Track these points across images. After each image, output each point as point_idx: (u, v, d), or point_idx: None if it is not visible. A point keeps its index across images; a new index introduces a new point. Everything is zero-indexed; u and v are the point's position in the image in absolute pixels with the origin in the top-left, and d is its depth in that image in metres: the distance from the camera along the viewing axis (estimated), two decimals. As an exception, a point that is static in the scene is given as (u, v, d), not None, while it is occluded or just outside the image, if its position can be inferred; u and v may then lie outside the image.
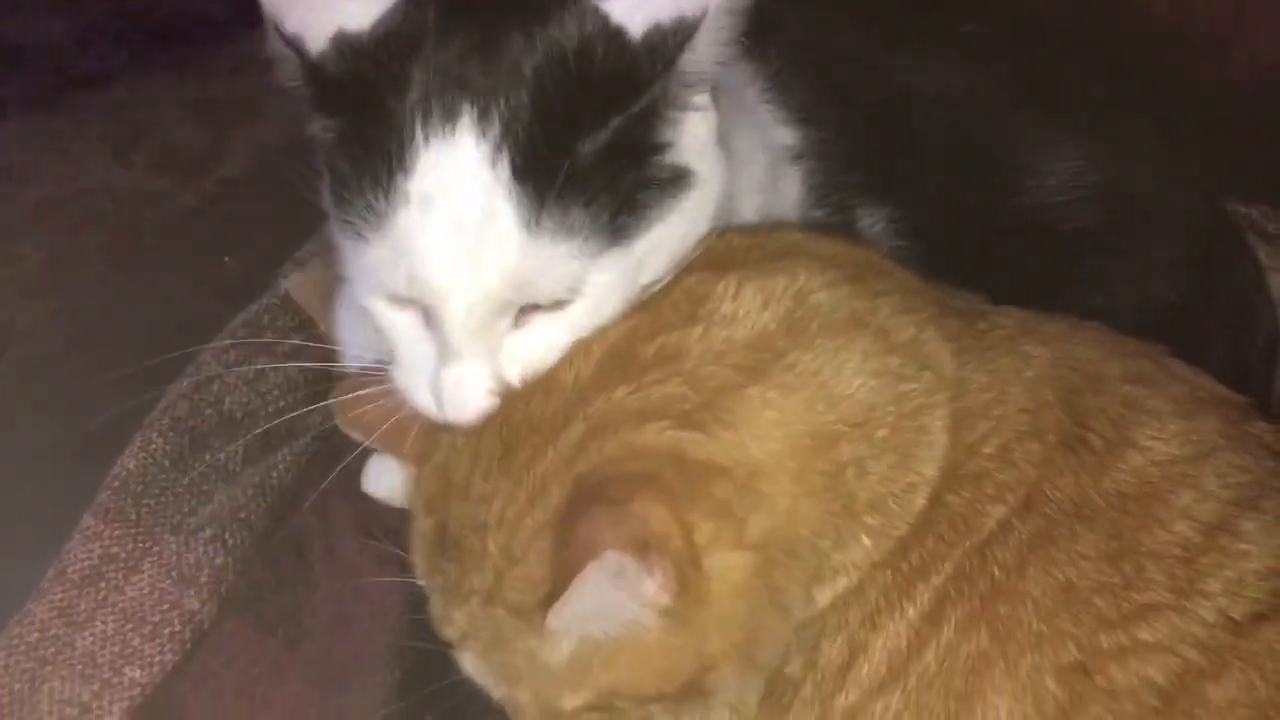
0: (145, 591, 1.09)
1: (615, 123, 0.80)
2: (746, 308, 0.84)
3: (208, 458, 1.18)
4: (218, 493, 1.16)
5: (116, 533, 1.12)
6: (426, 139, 0.79)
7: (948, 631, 0.79)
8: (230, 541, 1.13)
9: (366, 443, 0.95)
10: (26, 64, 2.25)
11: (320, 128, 0.85)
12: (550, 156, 0.78)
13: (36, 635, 1.07)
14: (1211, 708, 0.74)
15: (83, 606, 1.08)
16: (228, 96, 2.19)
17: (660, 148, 0.84)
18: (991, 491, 0.81)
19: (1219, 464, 0.82)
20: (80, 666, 1.05)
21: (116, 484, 1.15)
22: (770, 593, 0.79)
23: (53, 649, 1.06)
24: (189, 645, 1.08)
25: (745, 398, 0.80)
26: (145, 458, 1.17)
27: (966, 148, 1.10)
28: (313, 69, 0.82)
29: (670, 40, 0.80)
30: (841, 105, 1.07)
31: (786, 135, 1.04)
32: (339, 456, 1.17)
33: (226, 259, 1.41)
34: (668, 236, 0.85)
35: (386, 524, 1.12)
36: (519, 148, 0.78)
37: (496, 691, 0.85)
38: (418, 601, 1.03)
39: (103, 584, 1.10)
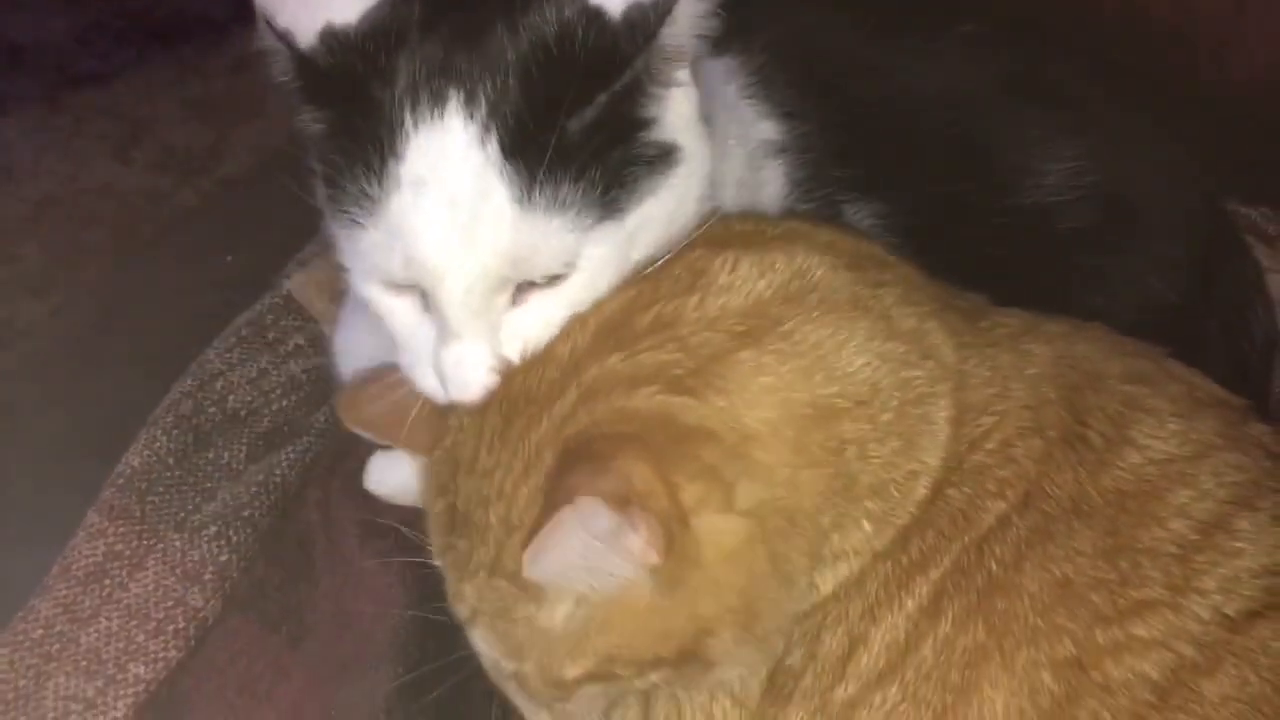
0: (150, 588, 1.10)
1: (600, 99, 0.82)
2: (743, 277, 0.85)
3: (211, 455, 1.19)
4: (221, 490, 1.16)
5: (121, 529, 1.12)
6: (416, 124, 0.81)
7: (945, 625, 0.79)
8: (234, 539, 1.13)
9: (376, 440, 0.96)
10: (27, 63, 2.26)
11: (311, 120, 0.87)
12: (538, 134, 0.80)
13: (41, 631, 1.07)
14: (1206, 703, 0.74)
15: (87, 603, 1.09)
16: (228, 95, 2.20)
17: (646, 123, 0.86)
18: (992, 487, 0.82)
19: (1216, 463, 0.82)
20: (85, 663, 1.06)
21: (121, 481, 1.16)
22: (772, 561, 0.79)
23: (57, 645, 1.07)
24: (193, 642, 1.09)
25: (738, 362, 0.81)
26: (150, 455, 1.17)
27: (963, 146, 1.10)
28: (303, 63, 0.84)
29: (651, 15, 0.82)
30: (830, 100, 1.08)
31: (768, 129, 1.05)
32: (341, 455, 1.18)
33: (229, 258, 1.41)
34: (658, 211, 0.87)
35: (388, 522, 1.13)
36: (507, 127, 0.81)
37: (505, 669, 0.86)
38: (419, 599, 1.05)
39: (107, 580, 1.10)
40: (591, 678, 0.81)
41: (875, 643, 0.81)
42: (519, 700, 0.90)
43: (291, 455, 1.20)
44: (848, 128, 1.08)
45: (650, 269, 0.88)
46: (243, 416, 1.22)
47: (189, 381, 1.23)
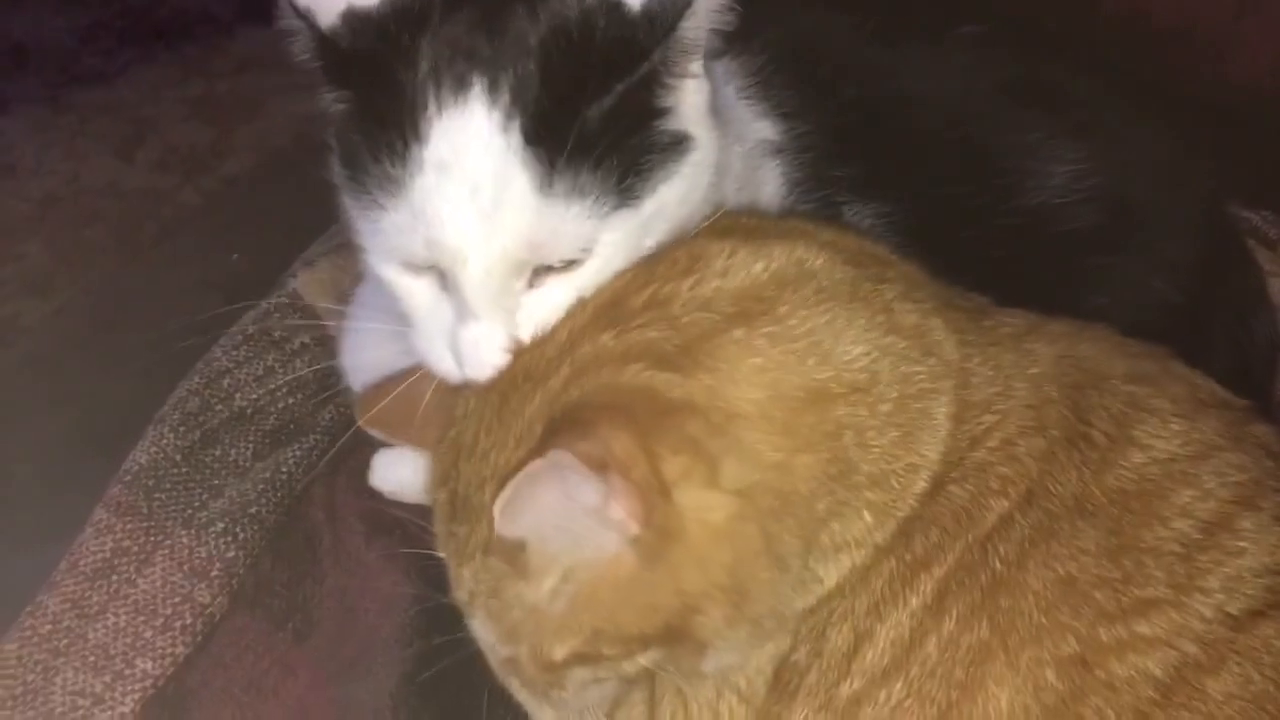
0: (157, 584, 1.10)
1: (619, 89, 0.83)
2: (741, 263, 0.86)
3: (218, 453, 1.19)
4: (228, 487, 1.17)
5: (128, 526, 1.13)
6: (440, 109, 0.83)
7: (950, 623, 0.80)
8: (241, 535, 1.13)
9: (389, 439, 0.97)
10: (30, 62, 2.27)
11: (332, 99, 0.88)
12: (559, 122, 0.82)
13: (49, 627, 1.08)
14: (1209, 701, 0.74)
15: (95, 599, 1.09)
16: (231, 94, 2.20)
17: (661, 113, 0.88)
18: (994, 485, 0.82)
19: (1219, 463, 0.83)
20: (93, 658, 1.06)
21: (128, 478, 1.16)
22: (765, 541, 0.80)
23: (65, 640, 1.07)
24: (200, 637, 1.09)
25: (727, 342, 0.81)
26: (156, 452, 1.18)
27: (965, 147, 1.11)
28: (324, 42, 0.85)
29: (670, 10, 0.84)
30: (829, 101, 1.09)
31: (766, 129, 1.06)
32: (347, 452, 1.19)
33: (235, 256, 1.42)
34: (671, 198, 0.89)
35: (393, 519, 1.13)
36: (528, 115, 0.82)
37: (501, 655, 0.87)
38: (425, 595, 1.05)
39: (115, 576, 1.10)
40: (579, 658, 0.81)
41: (880, 639, 0.81)
42: (521, 696, 0.90)
43: (298, 453, 1.20)
44: (847, 129, 1.08)
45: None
46: (249, 414, 1.22)
47: (196, 379, 1.24)
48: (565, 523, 0.76)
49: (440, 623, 0.92)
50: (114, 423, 1.25)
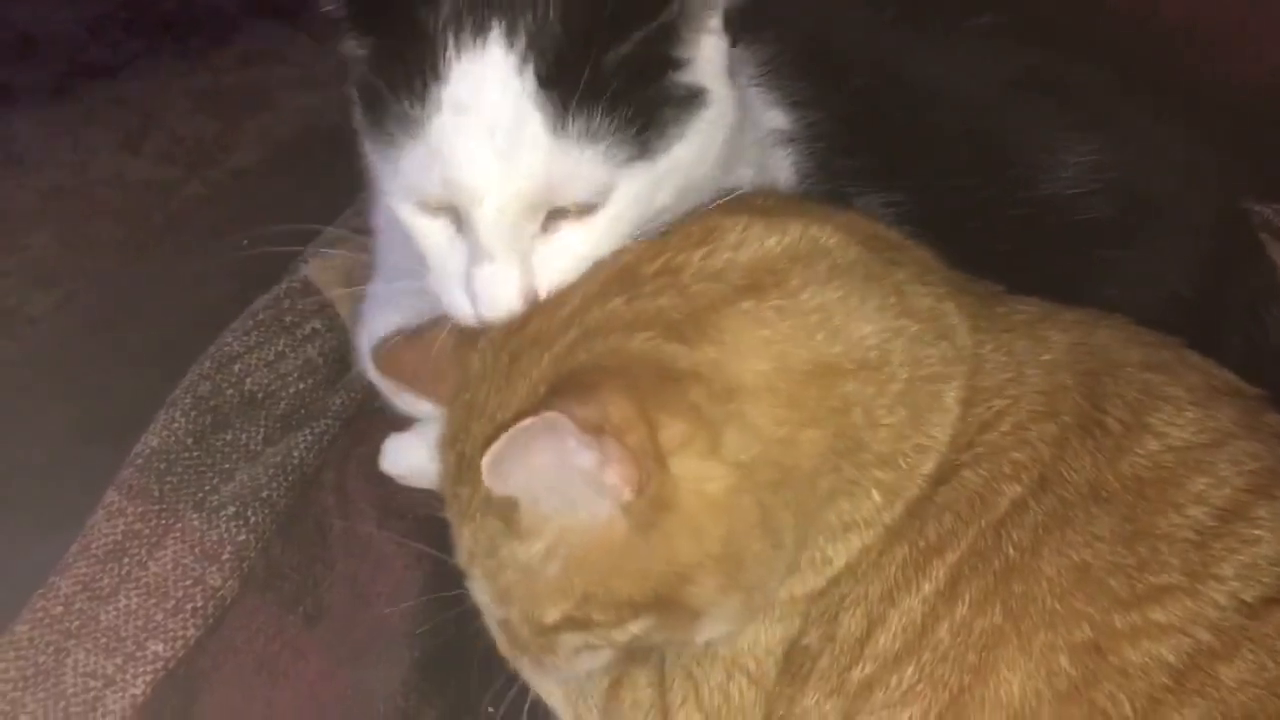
0: (169, 567, 1.10)
1: (636, 36, 0.85)
2: (755, 236, 0.87)
3: (229, 437, 1.20)
4: (239, 471, 1.17)
5: (140, 509, 1.13)
6: (459, 51, 0.84)
7: (962, 608, 0.80)
8: (252, 519, 1.14)
9: (404, 388, 0.97)
10: (37, 53, 2.26)
11: (355, 46, 0.90)
12: (573, 66, 0.83)
13: (61, 609, 1.08)
14: (1222, 687, 0.75)
15: (106, 581, 1.09)
16: (237, 87, 2.20)
17: (678, 63, 0.89)
18: (1007, 470, 0.83)
19: (1234, 451, 0.83)
20: (104, 640, 1.07)
21: (140, 461, 1.16)
22: (760, 514, 0.80)
23: (77, 622, 1.07)
24: (211, 620, 1.09)
25: (736, 313, 0.82)
26: (168, 435, 1.18)
27: (977, 138, 1.11)
28: None
29: None
30: (841, 91, 1.09)
31: (777, 118, 1.07)
32: (358, 438, 1.19)
33: (245, 242, 1.42)
34: (685, 155, 0.90)
35: (403, 503, 1.14)
36: (544, 58, 0.84)
37: (496, 616, 0.87)
38: (436, 580, 1.05)
39: (126, 559, 1.11)
40: (570, 622, 0.82)
41: (893, 624, 0.82)
42: (520, 665, 0.91)
43: (309, 437, 1.20)
44: (858, 118, 1.09)
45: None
46: (260, 399, 1.23)
47: (207, 364, 1.24)
48: (559, 484, 0.77)
49: (452, 609, 0.92)
50: (121, 413, 1.25)
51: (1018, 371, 0.86)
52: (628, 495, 0.75)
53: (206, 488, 1.16)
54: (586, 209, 0.87)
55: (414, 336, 0.95)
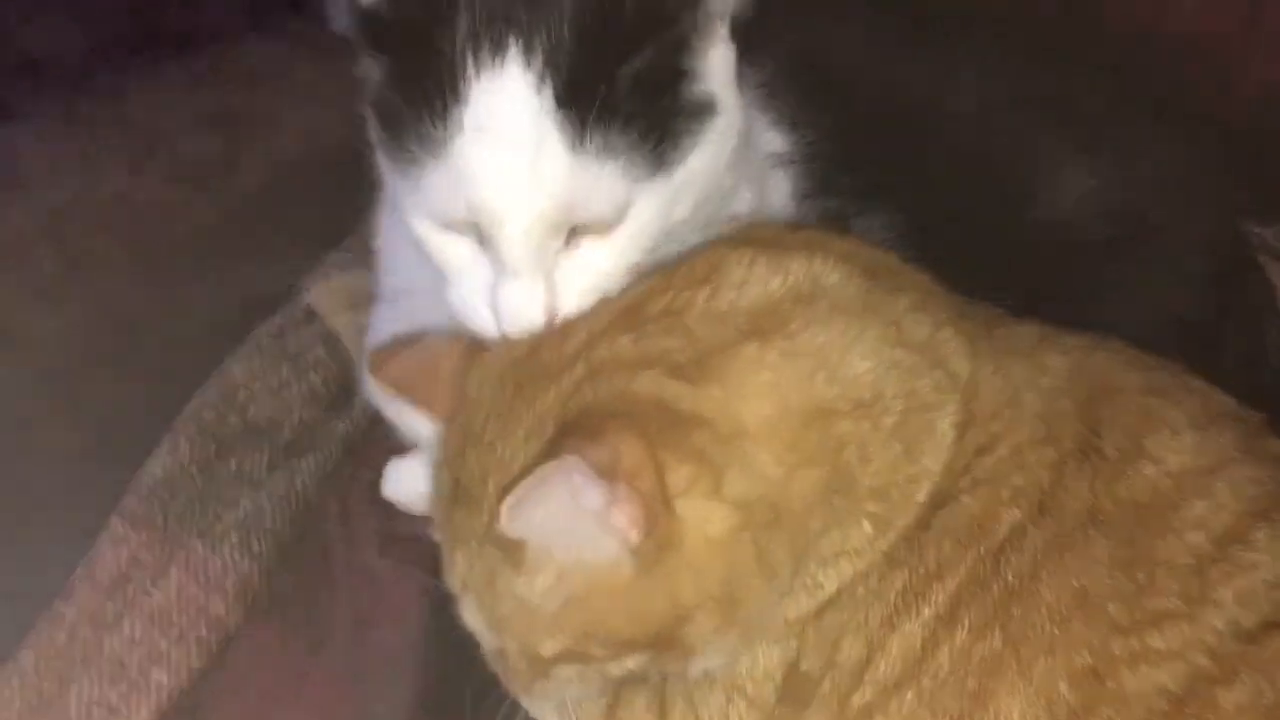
0: (173, 596, 1.10)
1: (648, 50, 0.85)
2: (758, 276, 0.87)
3: (233, 465, 1.20)
4: (243, 499, 1.17)
5: (144, 537, 1.13)
6: (478, 71, 0.84)
7: (962, 634, 0.80)
8: (256, 548, 1.14)
9: (402, 398, 0.97)
10: (41, 74, 2.27)
11: (372, 65, 0.91)
12: (589, 83, 0.84)
13: (65, 637, 1.08)
14: (1222, 713, 0.75)
15: (111, 609, 1.09)
16: (244, 108, 2.20)
17: (690, 75, 0.89)
18: (1006, 496, 0.83)
19: (1233, 476, 0.83)
20: (108, 668, 1.06)
21: (144, 489, 1.16)
22: (757, 552, 0.80)
23: (81, 651, 1.07)
24: (215, 649, 1.09)
25: (739, 356, 0.82)
26: (172, 463, 1.18)
27: (976, 158, 1.11)
28: (366, 14, 0.88)
29: None
30: (839, 112, 1.09)
31: (774, 140, 1.07)
32: (361, 465, 1.19)
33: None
34: (699, 166, 0.90)
35: (406, 530, 1.14)
36: (560, 76, 0.84)
37: (490, 645, 0.88)
38: (439, 608, 1.05)
39: (130, 588, 1.11)
40: (568, 655, 0.82)
41: (893, 650, 0.82)
42: (518, 695, 0.91)
43: (312, 465, 1.21)
44: (856, 139, 1.09)
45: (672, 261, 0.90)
46: (264, 427, 1.23)
47: (211, 391, 1.24)
48: (568, 525, 0.77)
49: (455, 637, 0.92)
50: (126, 436, 1.25)
51: (1015, 396, 0.86)
52: (635, 537, 0.76)
53: (210, 516, 1.16)
54: (607, 225, 0.88)
55: (411, 343, 0.96)
